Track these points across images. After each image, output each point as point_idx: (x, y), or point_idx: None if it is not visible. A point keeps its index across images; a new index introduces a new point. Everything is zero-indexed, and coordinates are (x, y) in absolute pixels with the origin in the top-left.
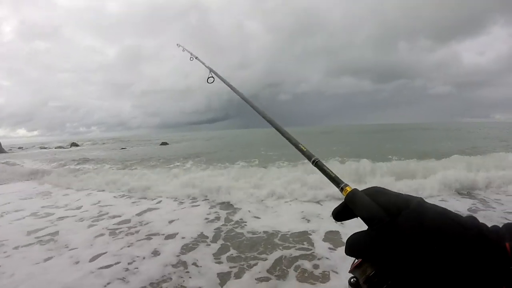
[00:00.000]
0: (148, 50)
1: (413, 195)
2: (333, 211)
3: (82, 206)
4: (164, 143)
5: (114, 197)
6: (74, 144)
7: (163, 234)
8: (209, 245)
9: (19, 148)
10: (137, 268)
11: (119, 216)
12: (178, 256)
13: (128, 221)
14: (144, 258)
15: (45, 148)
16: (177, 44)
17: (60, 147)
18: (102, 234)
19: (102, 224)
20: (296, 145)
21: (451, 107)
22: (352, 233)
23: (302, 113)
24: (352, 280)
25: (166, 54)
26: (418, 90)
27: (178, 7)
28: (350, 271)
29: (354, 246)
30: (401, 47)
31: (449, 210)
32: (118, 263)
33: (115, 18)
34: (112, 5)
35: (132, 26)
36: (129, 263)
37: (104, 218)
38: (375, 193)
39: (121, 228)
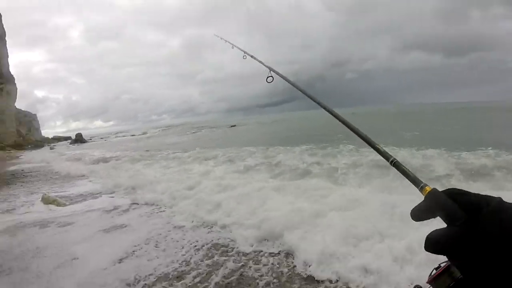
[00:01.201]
0: (210, 38)
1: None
2: (412, 211)
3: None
4: (233, 126)
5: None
6: (144, 133)
7: None
8: None
9: (101, 138)
10: None
11: None
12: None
13: None
14: None
15: (123, 136)
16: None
17: (134, 134)
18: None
19: None
20: (372, 145)
21: None
22: (431, 230)
23: (370, 92)
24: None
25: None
26: (496, 64)
27: None
28: (428, 282)
29: (434, 241)
30: (473, 16)
31: None
32: None
33: (174, 12)
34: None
35: (191, 17)
36: None
37: None
38: (455, 193)
39: None
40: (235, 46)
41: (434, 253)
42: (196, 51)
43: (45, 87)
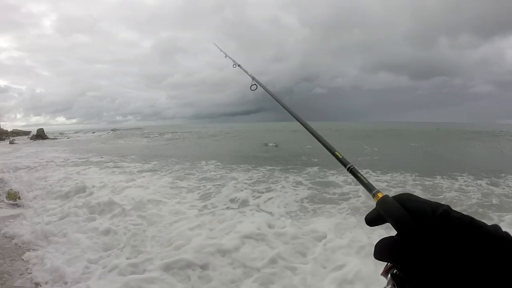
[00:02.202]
0: (184, 43)
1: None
2: (365, 217)
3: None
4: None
5: None
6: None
7: None
8: None
9: (75, 133)
10: None
11: None
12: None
13: None
14: None
15: (82, 134)
16: (214, 44)
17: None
18: None
19: None
20: (332, 152)
21: (493, 108)
22: (380, 238)
23: (337, 108)
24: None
25: (201, 47)
26: (458, 89)
27: (214, 1)
28: (382, 274)
29: (381, 250)
30: (441, 42)
31: (475, 219)
32: None
33: (151, 12)
34: None
35: (167, 19)
36: None
37: None
38: (405, 199)
39: None
40: (228, 55)
41: (381, 261)
42: (168, 54)
43: (9, 76)
